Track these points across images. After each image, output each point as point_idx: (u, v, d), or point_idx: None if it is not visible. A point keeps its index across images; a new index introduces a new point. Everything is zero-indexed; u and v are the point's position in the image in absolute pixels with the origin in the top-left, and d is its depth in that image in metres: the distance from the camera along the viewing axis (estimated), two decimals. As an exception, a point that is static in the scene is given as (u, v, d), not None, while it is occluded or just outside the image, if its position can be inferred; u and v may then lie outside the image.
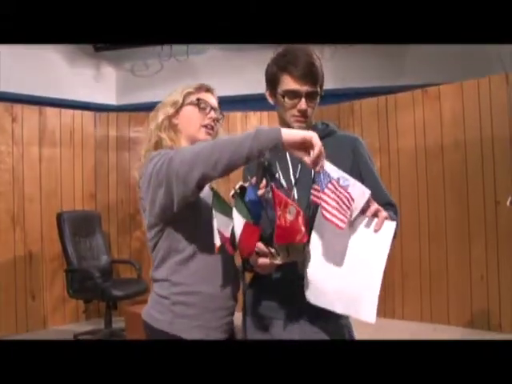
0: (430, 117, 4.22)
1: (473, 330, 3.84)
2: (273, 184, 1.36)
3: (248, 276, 1.59)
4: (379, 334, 3.63)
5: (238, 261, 1.53)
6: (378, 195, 1.50)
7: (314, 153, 1.18)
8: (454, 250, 4.05)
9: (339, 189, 1.24)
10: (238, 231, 1.25)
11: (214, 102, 1.55)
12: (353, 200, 1.25)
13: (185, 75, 5.33)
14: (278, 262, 1.31)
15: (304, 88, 1.46)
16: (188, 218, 1.39)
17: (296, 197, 1.46)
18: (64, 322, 4.47)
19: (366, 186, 1.49)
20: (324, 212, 1.24)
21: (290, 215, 1.23)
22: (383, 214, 1.26)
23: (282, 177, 1.51)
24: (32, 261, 4.29)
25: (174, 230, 1.41)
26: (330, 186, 1.25)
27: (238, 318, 1.57)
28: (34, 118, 4.42)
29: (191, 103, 1.51)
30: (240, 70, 5.22)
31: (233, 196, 1.27)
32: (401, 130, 4.39)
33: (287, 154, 1.53)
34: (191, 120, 1.51)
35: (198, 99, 1.51)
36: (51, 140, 4.52)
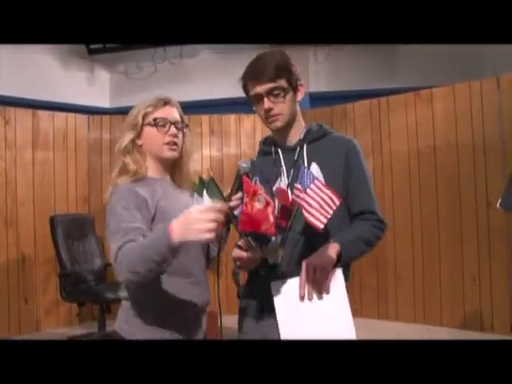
0: (422, 119, 4.24)
1: (465, 331, 3.85)
2: (257, 178, 1.38)
3: (243, 279, 1.61)
4: (372, 335, 3.64)
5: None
6: (360, 201, 1.50)
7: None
8: (447, 251, 4.07)
9: (324, 189, 1.26)
10: None
11: (174, 115, 1.52)
12: (339, 200, 1.26)
13: (178, 78, 5.34)
14: (249, 255, 1.35)
15: (263, 88, 1.46)
16: None
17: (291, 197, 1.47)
18: (57, 325, 4.44)
19: (354, 190, 1.50)
20: (304, 212, 1.25)
21: (258, 204, 1.24)
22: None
23: (283, 178, 1.51)
24: (25, 264, 4.27)
25: None
26: (312, 186, 1.26)
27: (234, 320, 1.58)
28: (27, 121, 4.40)
29: (149, 124, 1.49)
30: (234, 72, 5.19)
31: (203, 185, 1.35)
32: (393, 132, 4.41)
33: (281, 157, 1.55)
34: (152, 140, 1.49)
35: (155, 119, 1.48)
36: (44, 143, 4.50)
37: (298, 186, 1.30)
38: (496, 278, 3.79)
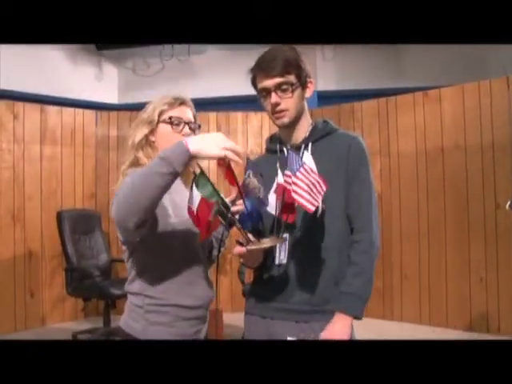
0: (430, 119, 4.22)
1: (471, 333, 3.83)
2: (250, 172, 1.37)
3: (248, 277, 1.60)
4: (377, 335, 3.63)
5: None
6: (357, 218, 1.46)
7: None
8: (454, 252, 4.05)
9: (311, 174, 1.27)
10: (195, 205, 1.26)
11: (188, 115, 1.54)
12: (325, 186, 1.28)
13: (186, 75, 5.35)
14: (249, 247, 1.34)
15: (271, 82, 1.45)
16: (153, 244, 1.42)
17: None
18: (63, 320, 4.47)
19: (353, 203, 1.47)
20: (294, 194, 1.27)
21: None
22: None
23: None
24: (31, 259, 4.29)
25: (142, 254, 1.44)
26: (301, 170, 1.28)
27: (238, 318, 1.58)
28: (36, 117, 4.42)
29: (164, 121, 1.50)
30: (241, 69, 5.19)
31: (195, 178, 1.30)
32: (401, 132, 4.39)
33: (277, 161, 1.53)
34: (166, 138, 1.49)
35: (170, 117, 1.50)
36: (52, 138, 4.52)
37: (287, 172, 1.30)
38: (503, 279, 3.77)
